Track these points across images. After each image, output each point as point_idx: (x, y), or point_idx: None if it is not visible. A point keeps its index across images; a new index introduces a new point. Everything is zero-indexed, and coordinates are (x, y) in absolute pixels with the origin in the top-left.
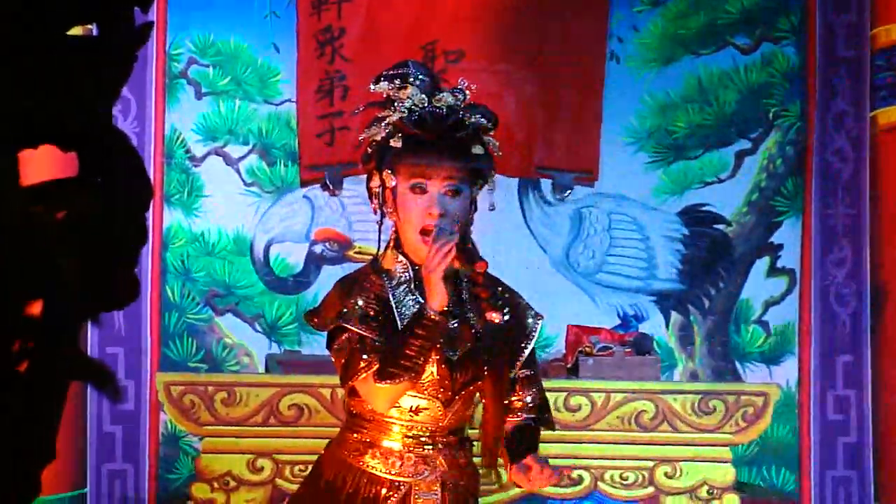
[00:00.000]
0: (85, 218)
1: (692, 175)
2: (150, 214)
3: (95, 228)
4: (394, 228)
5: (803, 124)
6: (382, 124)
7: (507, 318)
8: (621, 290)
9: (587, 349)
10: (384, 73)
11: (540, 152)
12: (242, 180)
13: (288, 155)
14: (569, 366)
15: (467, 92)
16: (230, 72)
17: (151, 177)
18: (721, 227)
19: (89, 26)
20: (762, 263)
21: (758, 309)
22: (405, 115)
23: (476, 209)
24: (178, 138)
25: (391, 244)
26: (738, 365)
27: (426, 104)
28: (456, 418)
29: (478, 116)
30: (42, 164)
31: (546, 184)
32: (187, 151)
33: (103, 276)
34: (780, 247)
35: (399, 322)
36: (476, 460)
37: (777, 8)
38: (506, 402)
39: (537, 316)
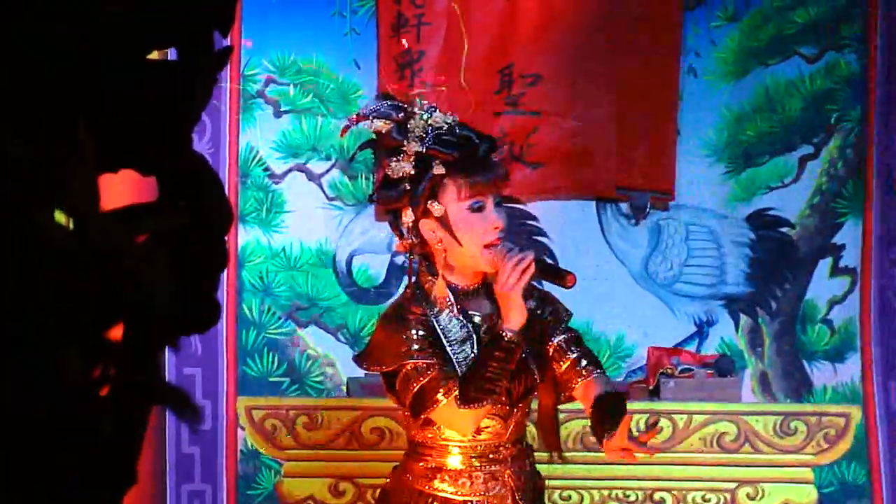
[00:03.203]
0: (167, 241)
1: (759, 181)
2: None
3: (177, 252)
4: (438, 255)
5: (863, 128)
6: (404, 158)
7: (535, 304)
8: (697, 299)
9: (668, 371)
10: (367, 110)
11: (618, 172)
12: (325, 195)
13: (369, 168)
14: (650, 387)
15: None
16: (312, 89)
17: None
18: (785, 229)
19: (166, 50)
20: (825, 264)
21: (822, 308)
22: (419, 141)
23: None
24: (254, 157)
25: (437, 271)
26: (805, 364)
27: (428, 127)
28: (517, 429)
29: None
30: (122, 188)
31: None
32: (266, 169)
33: (185, 299)
34: (842, 247)
35: (449, 348)
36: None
37: (840, 16)
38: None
39: (567, 310)
